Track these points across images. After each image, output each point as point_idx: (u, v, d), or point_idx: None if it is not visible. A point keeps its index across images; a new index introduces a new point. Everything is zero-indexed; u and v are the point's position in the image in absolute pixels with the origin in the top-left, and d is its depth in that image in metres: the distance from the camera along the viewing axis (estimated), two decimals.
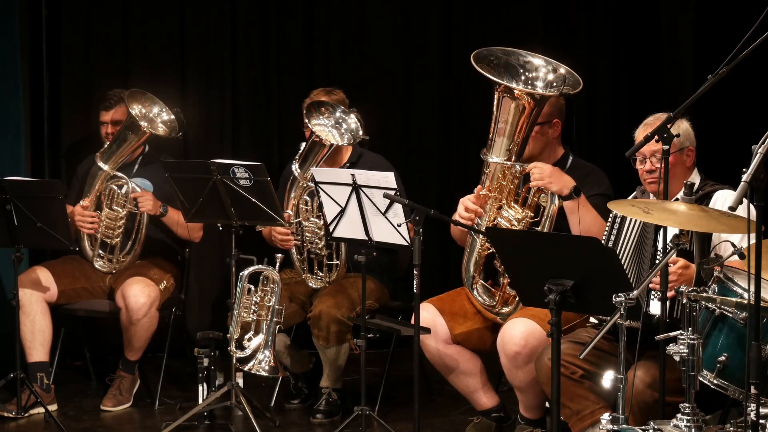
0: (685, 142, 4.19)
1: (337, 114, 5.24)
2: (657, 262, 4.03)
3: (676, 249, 3.62)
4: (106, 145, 5.49)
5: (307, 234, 5.25)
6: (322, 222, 5.16)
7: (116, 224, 5.50)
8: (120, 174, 5.48)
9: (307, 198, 5.24)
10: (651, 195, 4.12)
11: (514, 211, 4.51)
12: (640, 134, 4.21)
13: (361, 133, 5.24)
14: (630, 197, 4.30)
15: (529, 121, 4.45)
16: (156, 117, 5.48)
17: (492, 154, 4.51)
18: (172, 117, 5.50)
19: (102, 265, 5.55)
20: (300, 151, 5.23)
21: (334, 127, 5.21)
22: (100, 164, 5.46)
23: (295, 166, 5.23)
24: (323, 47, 6.63)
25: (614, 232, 4.13)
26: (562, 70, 4.49)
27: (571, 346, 4.12)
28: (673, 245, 3.63)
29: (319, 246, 5.25)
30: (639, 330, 3.77)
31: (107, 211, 5.50)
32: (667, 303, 3.85)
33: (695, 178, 4.22)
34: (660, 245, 4.02)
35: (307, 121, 5.19)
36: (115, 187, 5.49)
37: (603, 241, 4.11)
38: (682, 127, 4.18)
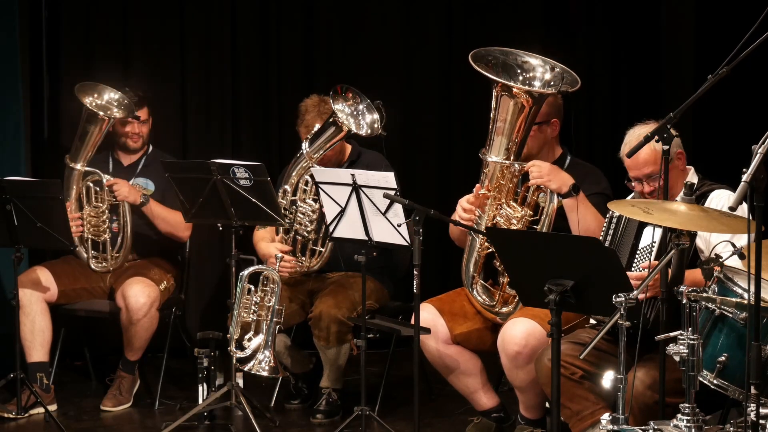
0: (672, 150, 4.17)
1: (361, 106, 5.19)
2: (634, 260, 4.03)
3: (676, 249, 3.62)
4: (72, 147, 5.50)
5: (299, 215, 5.24)
6: (317, 206, 5.13)
7: (101, 220, 5.50)
8: (92, 169, 5.48)
9: (309, 178, 5.22)
10: None
11: (513, 210, 4.51)
12: (624, 152, 4.18)
13: (377, 126, 5.18)
14: (629, 197, 4.30)
15: (527, 120, 4.45)
16: (109, 103, 5.48)
17: (491, 153, 4.51)
18: (121, 95, 5.48)
19: (97, 264, 5.55)
20: (314, 131, 5.22)
21: (352, 116, 5.17)
22: (72, 165, 5.46)
23: (304, 144, 5.21)
24: (323, 47, 6.63)
25: (611, 231, 4.13)
26: (559, 68, 4.50)
27: (570, 346, 4.12)
28: (674, 245, 3.62)
29: (308, 229, 5.24)
30: (639, 331, 3.77)
31: (89, 209, 5.50)
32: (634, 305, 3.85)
33: (692, 178, 4.22)
34: (643, 243, 4.01)
35: (331, 102, 5.14)
36: (91, 184, 5.50)
37: (600, 239, 4.11)
38: None
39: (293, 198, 5.25)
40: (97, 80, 5.60)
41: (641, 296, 3.83)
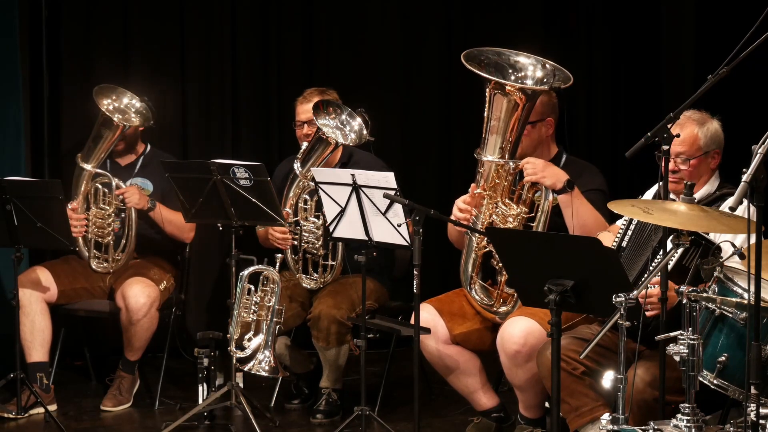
0: (711, 146, 4.15)
1: (343, 116, 5.22)
2: (656, 263, 4.02)
3: (676, 249, 3.62)
4: (85, 146, 5.50)
5: (304, 233, 5.25)
6: (320, 222, 5.17)
7: (106, 222, 5.50)
8: (102, 171, 5.48)
9: (307, 197, 5.24)
10: (672, 194, 4.09)
11: (509, 208, 4.51)
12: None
13: (365, 132, 5.21)
14: (653, 188, 4.27)
15: (521, 118, 4.45)
16: (127, 108, 5.49)
17: (485, 152, 4.51)
18: (143, 104, 5.50)
19: (98, 265, 5.55)
20: (302, 149, 5.23)
21: (337, 127, 5.19)
22: (83, 165, 5.47)
23: (296, 165, 5.22)
24: (323, 47, 6.64)
25: (629, 232, 4.11)
26: (550, 66, 4.50)
27: (572, 341, 4.11)
28: (674, 245, 3.62)
29: (316, 246, 5.25)
30: (639, 329, 3.77)
31: (95, 210, 5.51)
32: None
33: (714, 181, 4.20)
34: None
35: (314, 118, 5.17)
36: (100, 186, 5.50)
37: (616, 242, 4.10)
38: (712, 128, 4.15)
39: (295, 219, 5.26)
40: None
41: (648, 314, 3.82)
